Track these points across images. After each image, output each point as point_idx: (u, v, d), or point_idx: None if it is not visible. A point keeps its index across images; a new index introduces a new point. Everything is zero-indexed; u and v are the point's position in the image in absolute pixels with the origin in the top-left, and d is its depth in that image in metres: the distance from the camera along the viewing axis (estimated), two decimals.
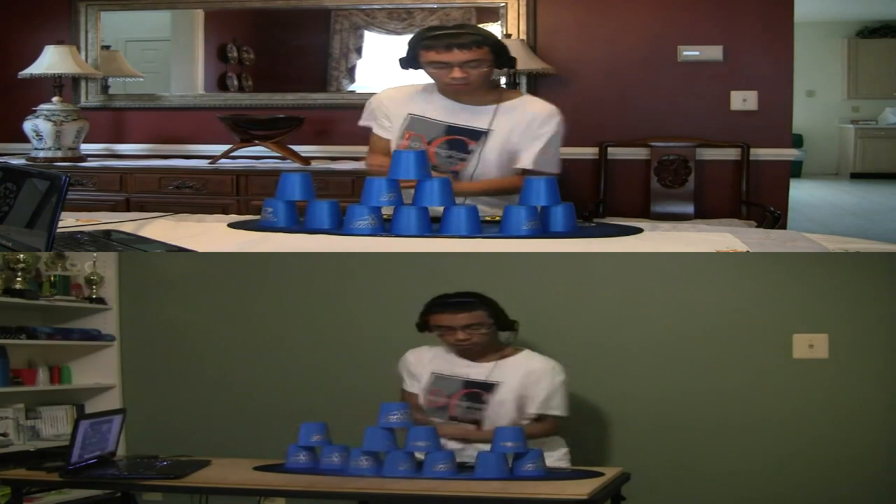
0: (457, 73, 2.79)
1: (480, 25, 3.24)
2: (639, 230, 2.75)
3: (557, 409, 2.65)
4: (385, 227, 2.55)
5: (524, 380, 2.66)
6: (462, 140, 2.89)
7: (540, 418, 2.66)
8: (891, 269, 3.04)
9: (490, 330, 2.66)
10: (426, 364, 2.76)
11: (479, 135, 2.88)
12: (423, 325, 2.70)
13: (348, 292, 3.45)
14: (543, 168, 2.87)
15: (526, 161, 2.88)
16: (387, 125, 3.01)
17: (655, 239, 2.71)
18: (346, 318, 3.44)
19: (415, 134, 2.92)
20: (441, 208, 2.55)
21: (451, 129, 2.89)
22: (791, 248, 2.66)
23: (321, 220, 2.62)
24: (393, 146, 2.96)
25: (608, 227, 2.96)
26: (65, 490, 3.32)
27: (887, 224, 8.86)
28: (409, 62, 2.89)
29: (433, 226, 2.55)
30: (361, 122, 3.08)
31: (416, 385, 2.76)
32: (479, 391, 2.68)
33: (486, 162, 2.88)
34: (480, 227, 2.53)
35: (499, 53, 2.83)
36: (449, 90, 2.90)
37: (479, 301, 2.65)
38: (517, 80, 4.80)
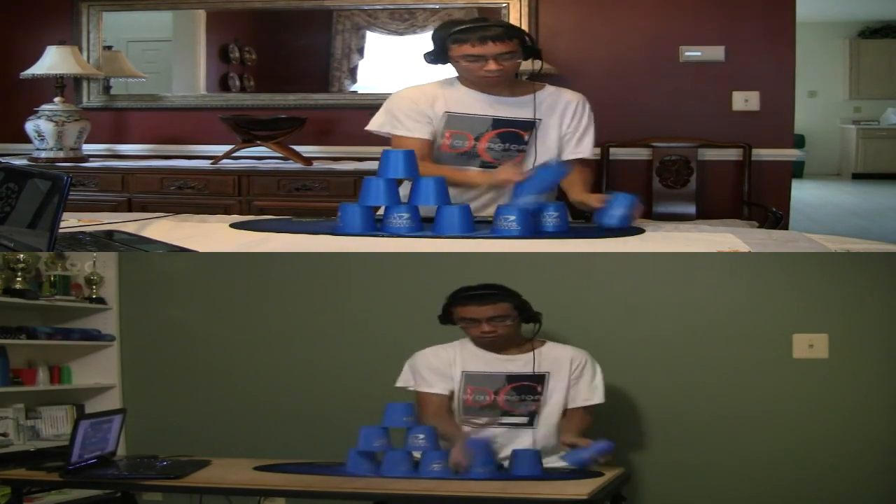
0: (492, 66, 2.79)
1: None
2: (640, 230, 2.76)
3: (602, 396, 2.71)
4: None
5: (570, 368, 2.67)
6: (516, 132, 2.91)
7: (584, 409, 2.69)
8: (891, 269, 3.04)
9: (515, 322, 2.64)
10: (452, 363, 2.70)
11: (529, 125, 2.91)
12: (446, 318, 2.66)
13: (349, 292, 3.44)
14: (591, 154, 3.02)
15: (585, 151, 2.97)
16: (424, 124, 2.93)
17: (657, 239, 2.71)
18: (346, 318, 3.44)
19: (457, 132, 2.91)
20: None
21: (499, 123, 2.89)
22: (793, 248, 2.66)
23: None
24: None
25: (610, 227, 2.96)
26: (65, 490, 3.32)
27: (889, 224, 8.85)
28: (437, 57, 2.88)
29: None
30: (379, 130, 2.99)
31: (441, 385, 2.68)
32: (530, 384, 2.66)
33: (541, 151, 2.91)
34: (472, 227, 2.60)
35: (525, 45, 2.85)
36: (481, 83, 2.89)
37: (503, 293, 2.62)
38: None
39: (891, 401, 3.04)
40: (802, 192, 10.50)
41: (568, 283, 3.26)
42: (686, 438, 3.16)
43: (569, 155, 2.92)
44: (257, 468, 2.61)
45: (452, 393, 2.69)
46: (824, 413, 3.08)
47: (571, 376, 2.68)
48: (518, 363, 2.68)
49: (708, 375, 3.16)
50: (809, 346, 3.10)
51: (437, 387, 2.68)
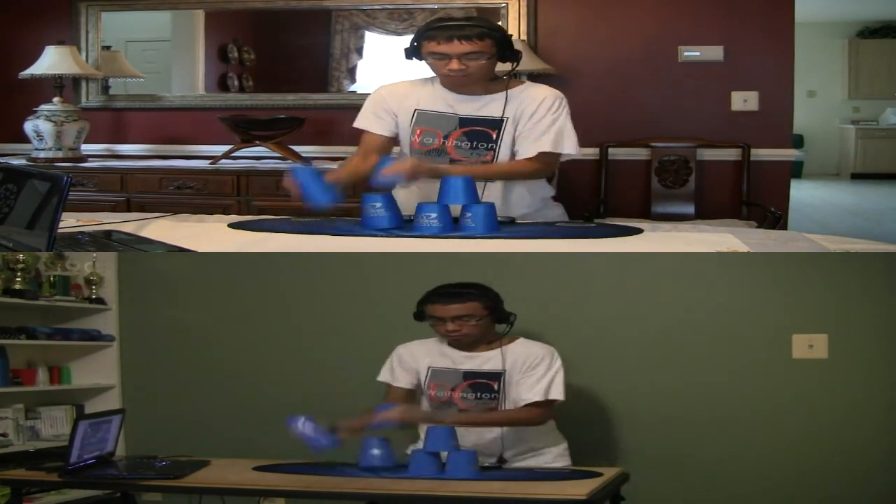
0: (454, 65, 2.77)
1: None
2: (639, 230, 2.76)
3: (556, 393, 2.60)
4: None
5: (523, 364, 2.63)
6: (483, 131, 2.88)
7: (536, 404, 2.61)
8: (891, 270, 3.04)
9: (482, 322, 2.62)
10: (420, 359, 2.73)
11: (497, 123, 2.88)
12: (420, 315, 2.67)
13: (349, 292, 3.44)
14: (564, 150, 2.90)
15: (544, 145, 2.86)
16: (386, 120, 2.97)
17: (656, 239, 2.71)
18: (346, 318, 3.44)
19: (427, 129, 2.91)
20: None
21: (466, 121, 2.88)
22: (792, 248, 2.66)
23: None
24: (404, 142, 2.98)
25: (608, 227, 2.97)
26: (64, 490, 3.32)
27: (888, 224, 8.85)
28: (412, 52, 2.88)
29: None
30: (358, 124, 3.03)
31: (405, 380, 2.73)
32: (486, 381, 2.65)
33: (504, 149, 2.88)
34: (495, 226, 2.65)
35: (502, 46, 2.81)
36: (448, 82, 2.88)
37: (476, 292, 2.61)
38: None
39: (890, 401, 3.05)
40: (801, 193, 10.51)
41: (566, 283, 3.26)
42: (685, 438, 3.16)
43: (522, 153, 2.88)
44: (256, 468, 2.61)
45: (417, 387, 2.75)
46: (824, 413, 3.08)
47: (523, 371, 2.63)
48: (477, 361, 2.68)
49: (707, 376, 3.16)
50: (809, 346, 3.10)
51: (402, 381, 2.75)
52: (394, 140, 3.02)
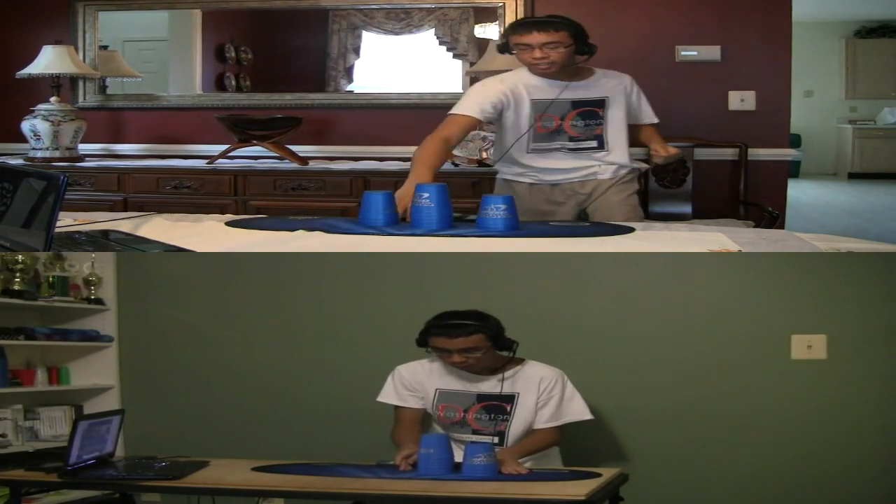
0: (537, 53, 3.17)
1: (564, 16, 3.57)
2: (630, 229, 2.76)
3: (578, 414, 2.70)
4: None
5: (538, 389, 2.67)
6: (592, 110, 3.33)
7: (546, 429, 2.68)
8: (890, 270, 3.04)
9: (487, 353, 2.64)
10: (426, 380, 2.75)
11: (601, 103, 3.34)
12: (423, 343, 2.68)
13: (348, 293, 3.44)
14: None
15: (654, 117, 3.51)
16: (471, 107, 3.22)
17: (647, 238, 2.71)
18: (346, 319, 3.43)
19: (546, 115, 3.28)
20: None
21: (577, 104, 3.31)
22: (782, 247, 2.66)
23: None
24: (521, 129, 3.29)
25: (601, 226, 2.97)
26: (63, 491, 3.31)
27: (885, 224, 8.86)
28: (503, 48, 3.32)
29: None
30: (459, 111, 3.24)
31: (415, 401, 2.75)
32: (499, 403, 2.68)
33: (613, 122, 3.35)
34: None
35: (578, 39, 3.22)
36: (535, 70, 3.25)
37: (478, 324, 2.60)
38: None
39: (889, 401, 3.05)
40: (799, 192, 10.52)
41: (558, 282, 3.25)
42: (683, 439, 3.16)
43: (646, 121, 3.49)
44: (256, 469, 2.61)
45: (425, 408, 2.77)
46: (823, 414, 3.08)
47: (539, 397, 2.67)
48: (490, 383, 2.70)
49: (705, 376, 3.16)
50: (808, 346, 3.10)
51: (409, 402, 2.76)
52: None
